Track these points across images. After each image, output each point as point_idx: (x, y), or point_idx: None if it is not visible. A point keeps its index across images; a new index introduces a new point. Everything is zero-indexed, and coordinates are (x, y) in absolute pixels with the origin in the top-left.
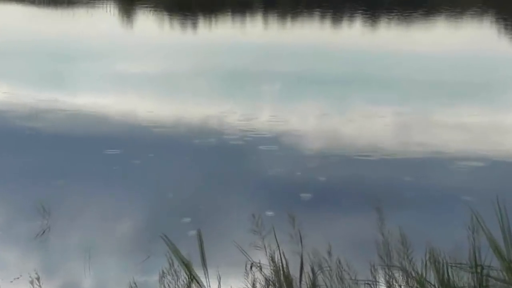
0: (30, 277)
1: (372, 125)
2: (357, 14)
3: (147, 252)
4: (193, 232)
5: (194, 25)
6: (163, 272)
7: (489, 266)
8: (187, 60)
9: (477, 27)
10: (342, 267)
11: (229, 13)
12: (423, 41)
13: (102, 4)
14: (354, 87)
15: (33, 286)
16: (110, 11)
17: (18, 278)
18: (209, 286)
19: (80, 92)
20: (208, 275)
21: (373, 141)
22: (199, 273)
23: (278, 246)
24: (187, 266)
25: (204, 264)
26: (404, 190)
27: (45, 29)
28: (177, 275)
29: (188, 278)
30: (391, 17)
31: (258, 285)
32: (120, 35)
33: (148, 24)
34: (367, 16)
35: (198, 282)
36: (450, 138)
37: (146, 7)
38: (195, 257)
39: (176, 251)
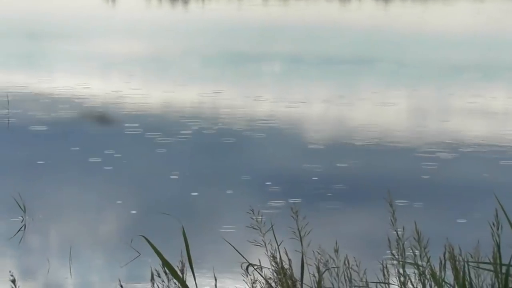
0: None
1: (384, 111)
2: None
3: (137, 250)
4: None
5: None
6: (153, 272)
7: None
8: (178, 39)
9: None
10: (351, 266)
11: None
12: (441, 17)
13: None
14: (365, 69)
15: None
16: None
17: None
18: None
19: (58, 76)
20: (195, 276)
21: (386, 129)
22: (191, 274)
23: (278, 245)
24: (170, 267)
25: (190, 264)
26: (420, 182)
27: (20, 5)
28: (168, 277)
29: (178, 282)
30: None
31: (256, 286)
32: (103, 10)
33: None
34: None
35: (181, 285)
36: (471, 125)
37: None
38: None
39: (158, 253)
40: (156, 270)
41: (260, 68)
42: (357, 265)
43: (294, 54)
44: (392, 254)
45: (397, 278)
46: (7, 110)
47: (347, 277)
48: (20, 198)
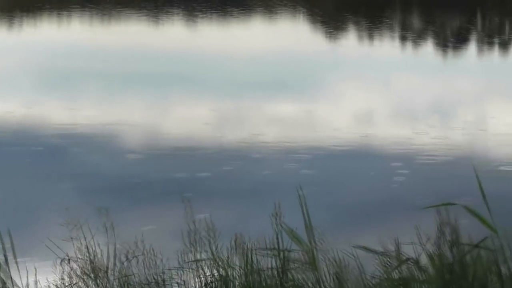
0: None
1: (188, 122)
2: (175, 12)
3: None
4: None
5: (17, 25)
6: None
7: (290, 250)
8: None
9: (290, 23)
10: (155, 254)
11: (52, 12)
12: (241, 39)
13: None
14: (174, 87)
15: None
16: None
17: None
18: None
19: None
20: (20, 272)
21: (188, 137)
22: (15, 271)
23: (86, 239)
24: None
25: (16, 262)
26: (214, 183)
27: None
28: None
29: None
30: (211, 13)
31: (73, 276)
32: None
33: None
34: (186, 12)
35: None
36: (263, 133)
37: None
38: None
39: None
40: None
41: (77, 87)
42: (160, 253)
43: (110, 75)
44: (189, 243)
45: (195, 263)
46: None
47: (151, 263)
48: None
